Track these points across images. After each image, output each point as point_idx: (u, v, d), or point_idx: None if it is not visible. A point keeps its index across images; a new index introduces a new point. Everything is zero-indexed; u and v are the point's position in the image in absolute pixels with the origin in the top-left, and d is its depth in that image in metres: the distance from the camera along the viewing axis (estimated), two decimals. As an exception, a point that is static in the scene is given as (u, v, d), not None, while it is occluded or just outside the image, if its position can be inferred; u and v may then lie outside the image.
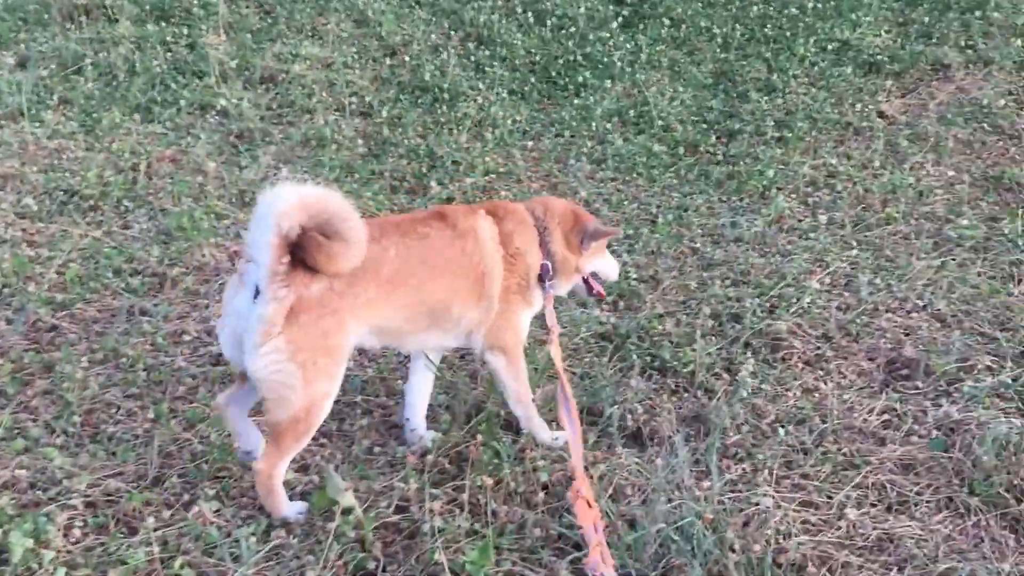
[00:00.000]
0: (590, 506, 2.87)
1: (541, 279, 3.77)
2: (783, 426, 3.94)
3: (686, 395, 4.21)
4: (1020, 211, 5.88)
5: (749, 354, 4.49)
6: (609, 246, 4.26)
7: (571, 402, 3.38)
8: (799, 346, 4.57)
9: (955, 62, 7.85)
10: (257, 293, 3.06)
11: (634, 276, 5.23)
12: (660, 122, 7.38)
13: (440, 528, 3.19)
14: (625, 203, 6.25)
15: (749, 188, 6.39)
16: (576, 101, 7.87)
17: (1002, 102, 7.25)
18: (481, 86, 7.94)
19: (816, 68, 8.05)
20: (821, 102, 7.54)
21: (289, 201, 2.93)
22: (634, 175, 6.67)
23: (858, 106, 7.41)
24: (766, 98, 7.74)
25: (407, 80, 8.03)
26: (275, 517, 3.26)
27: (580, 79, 8.12)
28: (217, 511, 3.32)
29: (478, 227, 3.60)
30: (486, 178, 6.58)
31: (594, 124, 7.42)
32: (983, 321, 4.80)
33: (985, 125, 7.05)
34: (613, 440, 3.81)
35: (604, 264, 4.13)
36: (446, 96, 7.76)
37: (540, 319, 3.86)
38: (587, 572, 2.77)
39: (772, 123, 7.22)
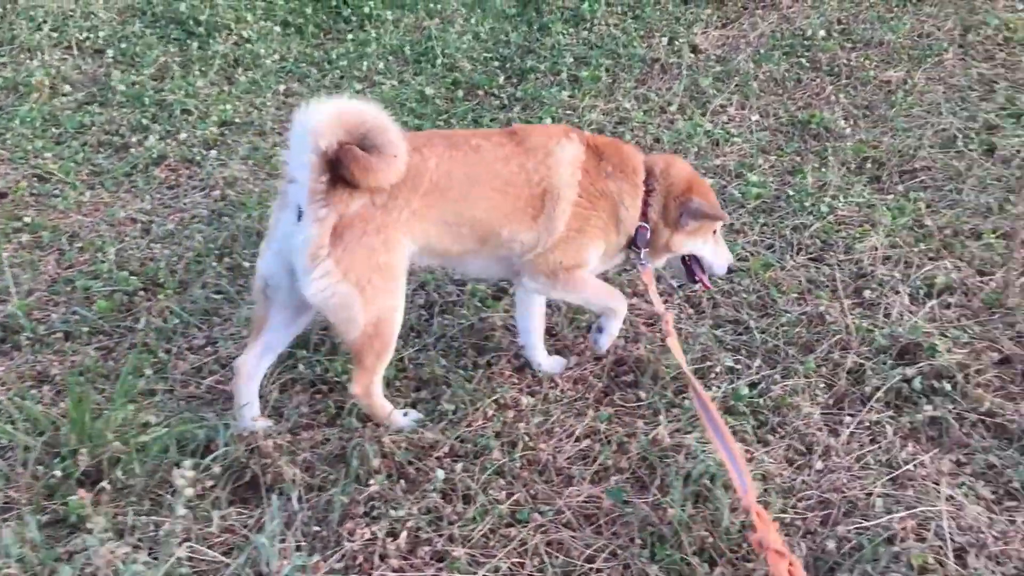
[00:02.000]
0: (782, 555, 2.21)
1: (632, 244, 3.44)
2: (448, 465, 3.09)
3: (343, 421, 3.32)
4: (817, 163, 5.09)
5: (448, 360, 3.64)
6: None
7: (713, 413, 2.74)
8: (509, 345, 3.71)
9: (784, -14, 6.99)
10: (300, 214, 2.94)
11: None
12: (444, 60, 6.40)
13: None
14: (374, 159, 5.27)
15: (523, 138, 5.46)
16: (358, 36, 6.84)
17: (823, 32, 6.43)
18: (250, 17, 6.86)
19: (631, -6, 7.12)
20: (631, 35, 6.64)
21: (325, 116, 2.82)
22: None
23: (666, 39, 6.51)
24: (572, 30, 6.81)
25: (161, 11, 6.89)
26: (390, 430, 3.17)
27: (366, 9, 7.07)
28: None
29: (555, 147, 3.28)
30: (220, 129, 5.56)
31: (366, 63, 6.41)
32: (743, 305, 4.00)
33: (803, 60, 6.22)
34: (220, 494, 2.92)
35: (708, 251, 3.58)
36: (202, 30, 6.66)
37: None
38: None
39: (571, 59, 6.31)
